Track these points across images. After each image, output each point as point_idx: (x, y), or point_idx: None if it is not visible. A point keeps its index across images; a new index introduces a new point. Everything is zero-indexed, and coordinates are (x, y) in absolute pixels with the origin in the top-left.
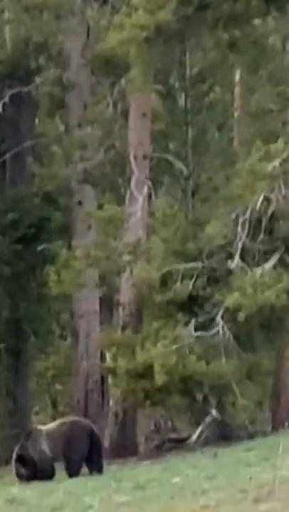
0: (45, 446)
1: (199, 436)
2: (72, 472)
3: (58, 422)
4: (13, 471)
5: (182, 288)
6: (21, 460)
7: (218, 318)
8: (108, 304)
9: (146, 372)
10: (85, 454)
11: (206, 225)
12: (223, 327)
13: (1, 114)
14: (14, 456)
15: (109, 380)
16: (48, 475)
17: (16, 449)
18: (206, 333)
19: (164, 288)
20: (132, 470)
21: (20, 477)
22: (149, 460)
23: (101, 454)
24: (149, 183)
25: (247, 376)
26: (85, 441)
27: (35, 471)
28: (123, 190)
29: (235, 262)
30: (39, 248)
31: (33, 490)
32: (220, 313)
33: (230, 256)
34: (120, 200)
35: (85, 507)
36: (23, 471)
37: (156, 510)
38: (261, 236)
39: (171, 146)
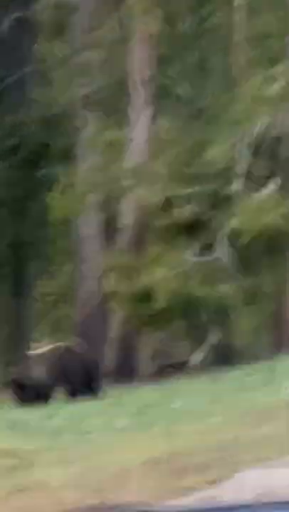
0: (37, 371)
1: (200, 361)
2: (72, 396)
3: (51, 346)
4: (12, 398)
5: (184, 212)
6: (15, 385)
7: (220, 243)
8: (110, 228)
9: (147, 296)
10: (83, 379)
11: (207, 149)
12: (224, 251)
13: (2, 39)
14: (10, 380)
15: (111, 304)
16: (44, 399)
17: (11, 375)
18: (207, 257)
19: (165, 212)
20: (133, 394)
21: (16, 402)
22: (149, 384)
23: (97, 379)
24: (151, 107)
25: (248, 300)
26: (82, 366)
27: (30, 395)
28: (125, 114)
29: (236, 186)
30: (40, 173)
31: (33, 414)
32: (221, 238)
33: (232, 180)
34: (122, 125)
35: (84, 431)
36: (18, 395)
37: (156, 434)
38: (262, 160)
39: (172, 70)
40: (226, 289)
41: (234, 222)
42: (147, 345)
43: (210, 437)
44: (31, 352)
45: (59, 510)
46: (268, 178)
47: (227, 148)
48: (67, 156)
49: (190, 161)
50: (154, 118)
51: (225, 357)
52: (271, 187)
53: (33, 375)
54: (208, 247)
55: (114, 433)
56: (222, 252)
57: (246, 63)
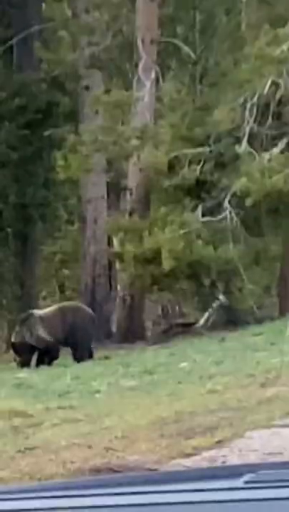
0: (42, 331)
1: (207, 321)
2: (80, 357)
3: (55, 306)
4: (14, 359)
5: (190, 173)
6: (16, 347)
7: (226, 204)
8: (115, 190)
9: (153, 257)
10: (91, 339)
11: (213, 109)
12: (230, 212)
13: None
14: (11, 342)
15: (117, 265)
16: (51, 357)
17: (12, 337)
18: (213, 218)
19: (171, 173)
20: (140, 355)
21: (18, 364)
22: (156, 345)
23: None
24: (157, 67)
25: (254, 261)
26: (90, 326)
27: (31, 357)
28: (130, 75)
29: (242, 147)
30: (46, 133)
31: (41, 375)
32: (227, 199)
33: (238, 141)
34: (128, 85)
35: (92, 391)
36: (19, 358)
37: (164, 394)
38: (269, 121)
39: (178, 30)
40: (232, 250)
41: (240, 184)
42: (154, 306)
43: (217, 398)
44: (36, 312)
45: (66, 469)
46: (275, 139)
47: (233, 109)
48: (74, 116)
49: (196, 121)
50: (160, 79)
51: (232, 318)
52: (278, 148)
53: (33, 336)
54: (214, 208)
55: (121, 393)
56: (228, 213)
57: (253, 24)
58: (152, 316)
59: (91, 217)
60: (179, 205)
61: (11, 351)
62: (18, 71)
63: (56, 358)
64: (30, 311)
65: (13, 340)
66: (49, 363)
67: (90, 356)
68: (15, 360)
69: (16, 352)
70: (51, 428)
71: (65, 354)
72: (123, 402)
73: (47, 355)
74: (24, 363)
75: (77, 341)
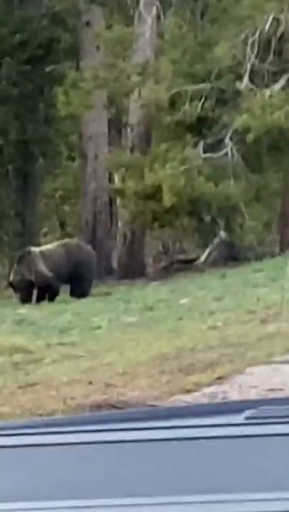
0: (42, 267)
1: (207, 258)
2: (84, 293)
3: (56, 243)
4: (14, 297)
5: (191, 109)
6: (15, 284)
7: (227, 140)
8: (116, 126)
9: (154, 193)
10: (93, 276)
11: (214, 46)
12: (231, 148)
13: None
14: (10, 279)
15: (118, 201)
16: (51, 293)
17: (12, 273)
18: (214, 154)
19: (172, 109)
20: (140, 291)
21: (20, 301)
22: (157, 281)
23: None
24: (158, 3)
25: (255, 198)
26: (91, 263)
27: (31, 293)
28: (132, 10)
29: (244, 83)
30: (47, 69)
31: (42, 311)
32: (228, 135)
33: (239, 77)
34: (129, 21)
35: (93, 327)
36: (18, 295)
37: (164, 330)
38: (270, 57)
39: None
40: (233, 186)
41: (241, 120)
42: (155, 242)
43: (218, 334)
44: (35, 248)
45: (67, 405)
46: (276, 75)
47: (234, 46)
48: (75, 52)
49: (197, 58)
50: (161, 15)
51: (232, 254)
52: (279, 84)
53: (33, 272)
54: (215, 145)
55: (122, 329)
56: (229, 150)
57: None
58: (153, 252)
59: (92, 154)
60: (180, 141)
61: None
62: (20, 7)
63: (57, 294)
64: (29, 248)
65: (11, 277)
66: (50, 299)
67: (88, 293)
68: (16, 298)
69: (15, 289)
70: (52, 364)
71: (66, 291)
72: (124, 338)
73: (47, 292)
74: (25, 300)
75: (78, 277)
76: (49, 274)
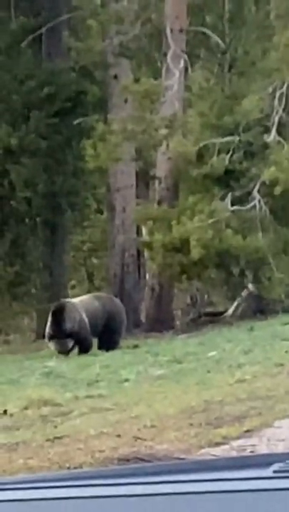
0: (84, 317)
1: (235, 310)
2: (113, 346)
3: (89, 295)
4: (52, 348)
5: (219, 162)
6: (59, 335)
7: (255, 193)
8: (144, 178)
9: (182, 246)
10: (123, 329)
11: (242, 98)
12: (259, 201)
13: None
14: (49, 332)
15: (146, 254)
16: (86, 345)
17: (50, 325)
18: (242, 207)
19: (200, 162)
20: (169, 344)
21: (60, 353)
22: (185, 334)
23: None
24: (186, 56)
25: (283, 250)
26: (124, 316)
27: (67, 345)
28: (159, 63)
29: (271, 136)
30: (75, 122)
31: (70, 364)
32: (256, 188)
33: (267, 130)
34: (157, 74)
35: (121, 380)
36: (56, 346)
37: (192, 383)
38: None
39: (207, 19)
40: (261, 239)
41: (269, 173)
42: (183, 295)
43: (246, 387)
44: (70, 300)
45: (95, 458)
46: None
47: (262, 98)
48: (103, 105)
49: (225, 110)
50: (188, 68)
51: (260, 307)
52: None
53: (76, 322)
54: (243, 197)
55: (150, 382)
56: (257, 202)
57: (282, 13)
58: (181, 304)
59: (120, 206)
60: (207, 194)
61: (42, 340)
62: (48, 60)
63: (91, 346)
64: (66, 299)
65: (48, 329)
66: (84, 352)
67: (117, 346)
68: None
69: (53, 340)
70: (80, 417)
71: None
72: (152, 391)
73: (82, 343)
74: (64, 351)
75: (109, 330)
76: (87, 325)
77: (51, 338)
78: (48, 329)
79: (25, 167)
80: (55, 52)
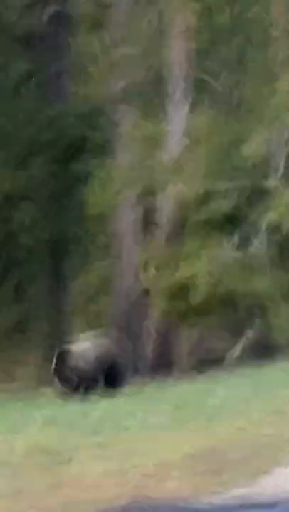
0: (82, 364)
1: (238, 355)
2: (118, 387)
3: (91, 341)
4: (57, 390)
5: (221, 207)
6: (62, 379)
7: (257, 237)
8: (146, 224)
9: (185, 290)
10: (128, 373)
11: (244, 143)
12: (262, 245)
13: (39, 33)
14: (53, 374)
15: (149, 298)
16: (91, 386)
17: (53, 368)
18: (245, 251)
19: (202, 207)
20: (171, 389)
21: (61, 394)
22: (187, 379)
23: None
24: (188, 101)
25: (286, 296)
26: (128, 361)
27: (75, 388)
28: (162, 108)
29: (273, 181)
30: (76, 168)
31: (70, 409)
32: (259, 232)
33: (269, 174)
34: (159, 119)
35: (122, 427)
36: (65, 388)
37: (195, 430)
38: None
39: (210, 63)
40: (263, 284)
41: (271, 217)
42: (185, 339)
43: (247, 434)
44: (72, 345)
45: (96, 506)
46: None
47: (263, 143)
48: (104, 150)
49: (227, 155)
50: (191, 112)
51: (263, 352)
52: None
53: (78, 368)
54: (245, 242)
55: (152, 429)
56: (259, 247)
57: (284, 57)
58: (183, 349)
59: (122, 251)
60: (210, 238)
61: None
62: (49, 105)
63: (95, 387)
64: (67, 346)
65: (53, 373)
66: (85, 394)
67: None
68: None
69: (61, 383)
70: (81, 464)
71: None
72: (153, 438)
73: (85, 385)
74: (68, 394)
75: (112, 375)
76: (90, 371)
77: (56, 378)
78: (51, 370)
79: (26, 214)
80: (56, 97)
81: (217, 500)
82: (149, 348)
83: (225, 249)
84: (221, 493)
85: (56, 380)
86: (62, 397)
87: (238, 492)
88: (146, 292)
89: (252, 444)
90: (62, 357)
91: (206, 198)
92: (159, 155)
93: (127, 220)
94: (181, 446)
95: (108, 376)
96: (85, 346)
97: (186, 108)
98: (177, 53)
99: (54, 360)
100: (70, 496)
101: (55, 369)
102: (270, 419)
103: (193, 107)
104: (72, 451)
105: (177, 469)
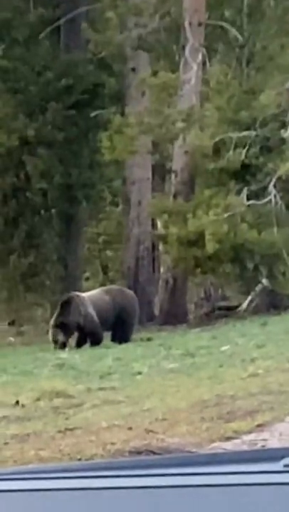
0: (92, 311)
1: (249, 305)
2: (126, 338)
3: (100, 289)
4: (50, 338)
5: (235, 156)
6: (62, 326)
7: (271, 187)
8: (160, 172)
9: (197, 240)
10: (135, 322)
11: (260, 93)
12: (275, 196)
13: None
14: (53, 322)
15: (160, 247)
16: (96, 338)
17: (56, 316)
18: (258, 201)
19: (216, 156)
20: (182, 337)
21: (57, 343)
22: (198, 328)
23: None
24: (204, 50)
25: None
26: (135, 309)
27: (68, 339)
28: (177, 57)
29: (288, 131)
30: (92, 114)
31: (82, 356)
32: (272, 182)
33: (284, 125)
34: (174, 68)
35: (133, 373)
36: (61, 337)
37: (205, 377)
38: None
39: (226, 13)
40: (276, 234)
41: (285, 168)
42: (197, 289)
43: (258, 382)
44: (79, 293)
45: (106, 451)
46: None
47: (280, 94)
48: (120, 97)
49: (242, 105)
50: (206, 61)
51: (274, 302)
52: None
53: (82, 315)
54: (259, 192)
55: (162, 375)
56: (273, 197)
57: None
58: (195, 298)
59: (135, 199)
60: (223, 188)
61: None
62: (65, 52)
63: (101, 340)
64: (75, 293)
65: (54, 321)
66: (94, 345)
67: (129, 339)
68: (53, 341)
69: (58, 331)
70: (92, 409)
71: (106, 335)
72: (164, 384)
73: (92, 337)
74: (63, 344)
75: (121, 323)
76: (97, 319)
77: (54, 331)
78: (52, 319)
79: (42, 158)
80: (73, 43)
81: (227, 446)
82: (160, 297)
83: (239, 199)
84: (231, 440)
85: (52, 328)
86: (61, 348)
87: (248, 439)
88: (159, 240)
89: (264, 391)
90: (64, 306)
91: (221, 147)
92: (175, 103)
93: (141, 167)
94: (192, 392)
95: (116, 326)
96: (94, 296)
97: (201, 57)
98: (194, 1)
99: (57, 309)
100: (82, 439)
101: (54, 318)
102: (283, 366)
103: (210, 55)
104: (85, 395)
105: (188, 415)
